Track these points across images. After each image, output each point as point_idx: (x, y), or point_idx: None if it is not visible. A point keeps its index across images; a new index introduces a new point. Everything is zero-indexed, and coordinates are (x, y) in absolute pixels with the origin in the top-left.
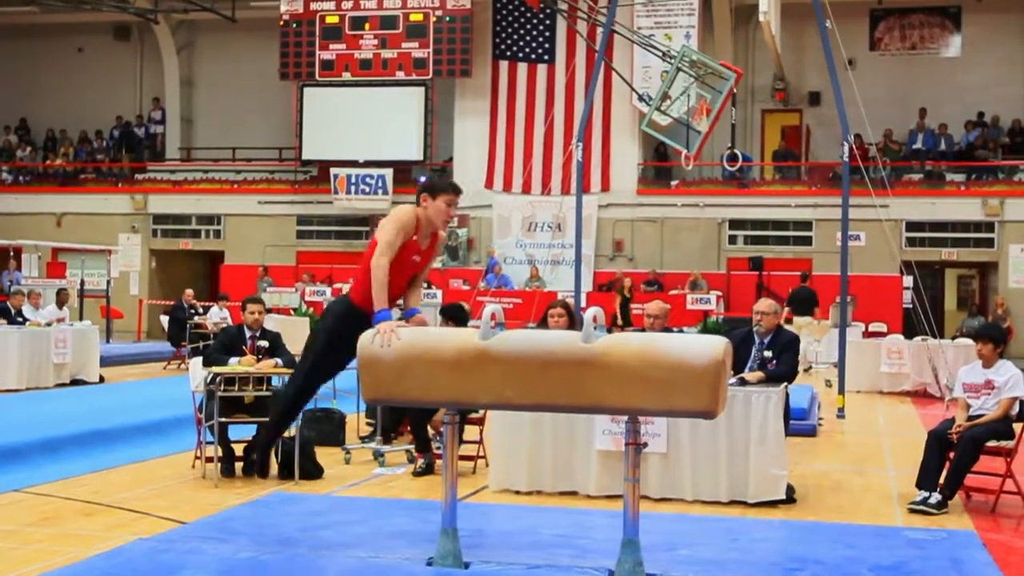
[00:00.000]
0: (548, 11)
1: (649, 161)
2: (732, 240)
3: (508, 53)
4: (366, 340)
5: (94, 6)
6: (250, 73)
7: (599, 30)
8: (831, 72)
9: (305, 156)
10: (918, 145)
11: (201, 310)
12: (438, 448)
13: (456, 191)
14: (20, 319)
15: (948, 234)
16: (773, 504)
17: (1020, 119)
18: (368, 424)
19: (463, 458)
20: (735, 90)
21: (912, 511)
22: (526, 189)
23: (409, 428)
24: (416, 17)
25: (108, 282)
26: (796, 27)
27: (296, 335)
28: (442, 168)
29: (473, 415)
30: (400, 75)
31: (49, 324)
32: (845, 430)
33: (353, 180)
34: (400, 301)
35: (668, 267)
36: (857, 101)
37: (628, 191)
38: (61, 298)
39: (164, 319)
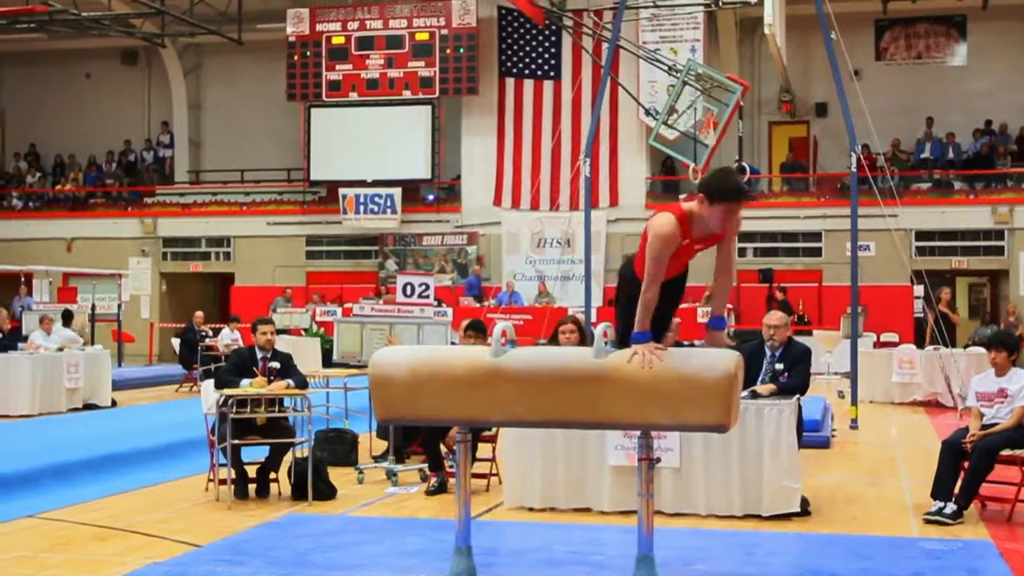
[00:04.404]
0: (554, 27)
1: (657, 175)
2: (741, 252)
3: (514, 70)
4: (380, 356)
5: (101, 31)
6: (257, 95)
7: (604, 45)
8: (837, 83)
9: (313, 177)
10: (926, 154)
11: (212, 332)
12: (451, 466)
13: (738, 198)
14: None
15: (958, 243)
16: (787, 517)
17: None
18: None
19: (476, 476)
20: (741, 103)
21: (927, 521)
22: (534, 205)
23: (422, 447)
24: (422, 36)
25: (119, 306)
26: (801, 39)
27: (307, 356)
28: (450, 186)
29: (486, 433)
30: (407, 94)
31: (60, 349)
32: (858, 441)
33: (362, 200)
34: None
35: None
36: (864, 111)
37: (636, 205)
38: (65, 320)
39: (175, 342)
